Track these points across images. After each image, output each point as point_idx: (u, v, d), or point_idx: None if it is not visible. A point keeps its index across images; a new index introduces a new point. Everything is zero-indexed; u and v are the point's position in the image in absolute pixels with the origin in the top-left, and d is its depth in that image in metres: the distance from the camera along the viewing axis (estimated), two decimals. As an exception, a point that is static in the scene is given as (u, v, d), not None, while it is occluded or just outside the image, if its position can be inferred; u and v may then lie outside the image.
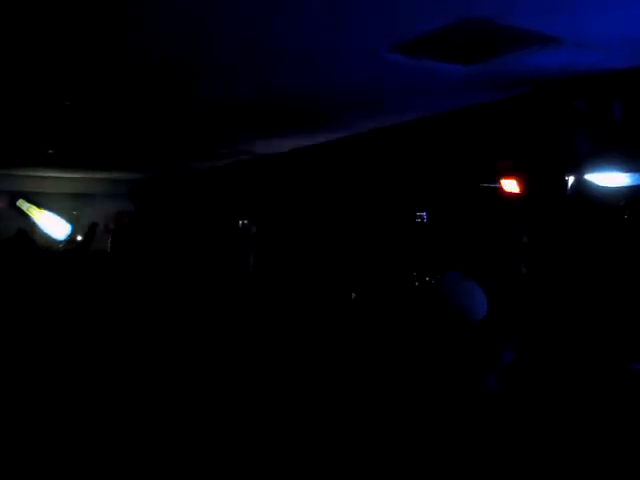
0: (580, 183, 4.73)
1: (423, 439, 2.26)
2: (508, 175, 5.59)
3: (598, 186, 4.44)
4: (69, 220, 11.05)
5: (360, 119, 5.78)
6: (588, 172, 4.40)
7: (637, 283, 4.29)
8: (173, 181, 10.62)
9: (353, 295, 6.31)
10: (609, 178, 4.34)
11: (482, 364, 2.37)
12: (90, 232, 9.42)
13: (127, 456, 4.13)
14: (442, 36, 3.28)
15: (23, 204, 10.93)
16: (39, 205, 10.96)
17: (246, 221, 9.21)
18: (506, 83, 4.20)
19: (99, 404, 5.02)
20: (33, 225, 10.70)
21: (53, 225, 11.02)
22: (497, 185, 5.78)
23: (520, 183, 5.57)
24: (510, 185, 5.71)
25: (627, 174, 4.20)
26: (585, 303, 4.57)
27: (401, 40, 3.38)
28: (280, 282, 7.37)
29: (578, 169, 4.54)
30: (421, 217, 5.96)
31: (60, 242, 10.73)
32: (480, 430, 2.22)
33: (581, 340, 4.43)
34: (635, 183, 4.28)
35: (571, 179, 4.93)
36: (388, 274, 6.40)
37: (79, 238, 10.50)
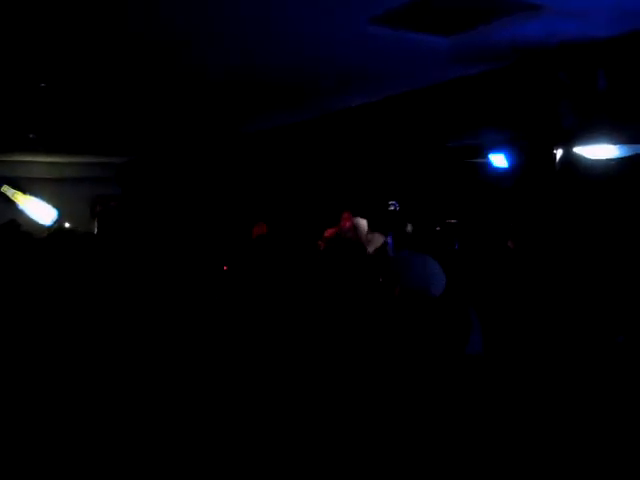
0: (569, 156, 4.66)
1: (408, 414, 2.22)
2: (496, 150, 5.51)
3: (587, 159, 4.37)
4: (55, 205, 10.92)
5: (341, 95, 5.67)
6: (576, 145, 4.32)
7: (624, 257, 4.24)
8: (160, 163, 10.49)
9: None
10: (598, 150, 4.26)
11: (449, 338, 2.35)
12: None
13: (126, 455, 4.06)
14: (422, 7, 3.18)
15: (8, 190, 10.77)
16: (24, 191, 10.81)
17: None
18: (490, 55, 4.11)
19: (93, 402, 4.95)
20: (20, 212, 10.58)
21: (39, 211, 10.89)
22: (484, 160, 5.70)
23: (508, 157, 5.49)
24: (498, 160, 5.62)
25: (616, 146, 4.12)
26: (573, 277, 4.52)
27: (382, 11, 3.29)
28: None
29: (566, 142, 4.46)
30: (394, 205, 5.84)
31: (47, 227, 10.62)
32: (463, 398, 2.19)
33: (569, 314, 4.39)
34: (624, 155, 4.20)
35: (559, 152, 4.85)
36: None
37: (67, 225, 10.38)
